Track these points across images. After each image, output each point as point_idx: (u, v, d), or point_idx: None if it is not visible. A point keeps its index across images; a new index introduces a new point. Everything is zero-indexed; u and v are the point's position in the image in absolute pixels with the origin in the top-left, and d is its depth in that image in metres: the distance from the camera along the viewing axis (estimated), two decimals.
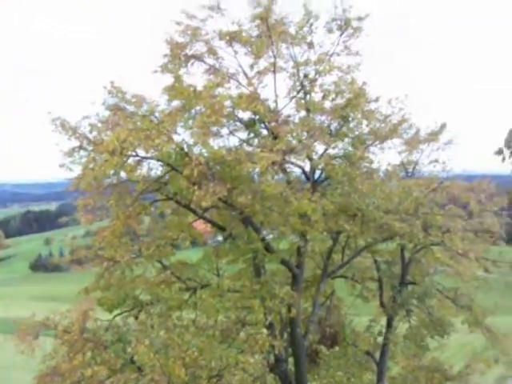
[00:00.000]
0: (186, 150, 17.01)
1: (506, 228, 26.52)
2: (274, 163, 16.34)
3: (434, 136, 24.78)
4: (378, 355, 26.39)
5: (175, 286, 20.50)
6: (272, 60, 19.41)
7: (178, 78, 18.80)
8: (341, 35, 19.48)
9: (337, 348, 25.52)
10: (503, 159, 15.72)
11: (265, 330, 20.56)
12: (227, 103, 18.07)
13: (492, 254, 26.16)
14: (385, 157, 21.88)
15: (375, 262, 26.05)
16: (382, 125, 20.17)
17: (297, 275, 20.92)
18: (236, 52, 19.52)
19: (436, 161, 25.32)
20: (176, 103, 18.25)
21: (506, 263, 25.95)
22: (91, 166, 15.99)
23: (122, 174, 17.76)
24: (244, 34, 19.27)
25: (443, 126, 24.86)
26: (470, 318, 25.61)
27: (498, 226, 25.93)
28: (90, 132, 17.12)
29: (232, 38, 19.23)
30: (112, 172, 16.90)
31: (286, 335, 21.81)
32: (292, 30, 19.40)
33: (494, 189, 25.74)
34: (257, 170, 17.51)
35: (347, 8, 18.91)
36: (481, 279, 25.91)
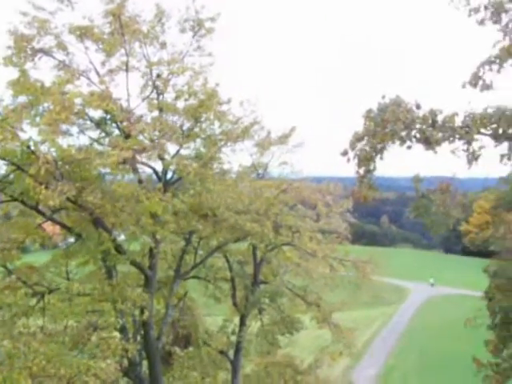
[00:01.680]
0: (32, 148, 16.23)
1: (350, 229, 28.31)
2: (124, 161, 16.06)
3: (284, 139, 25.73)
4: (231, 354, 26.86)
5: (21, 291, 19.47)
6: (124, 58, 19.06)
7: (23, 73, 17.87)
8: (194, 36, 19.60)
9: (191, 348, 25.68)
10: (348, 160, 16.52)
11: (117, 334, 20.19)
12: (78, 101, 17.44)
13: (338, 253, 27.71)
14: (236, 158, 22.33)
15: (228, 262, 26.53)
16: (234, 126, 20.52)
17: (149, 277, 20.71)
18: (87, 48, 18.89)
19: (286, 163, 26.35)
20: (22, 99, 17.40)
21: (350, 262, 27.59)
22: None
23: None
24: (96, 30, 18.70)
25: (293, 129, 25.87)
26: (318, 314, 26.90)
27: (343, 227, 27.55)
28: None
29: (83, 33, 18.57)
30: None
31: (139, 338, 21.51)
32: (145, 29, 19.21)
33: (341, 191, 27.28)
34: (107, 169, 17.15)
35: (199, 9, 19.07)
36: (328, 277, 27.30)
